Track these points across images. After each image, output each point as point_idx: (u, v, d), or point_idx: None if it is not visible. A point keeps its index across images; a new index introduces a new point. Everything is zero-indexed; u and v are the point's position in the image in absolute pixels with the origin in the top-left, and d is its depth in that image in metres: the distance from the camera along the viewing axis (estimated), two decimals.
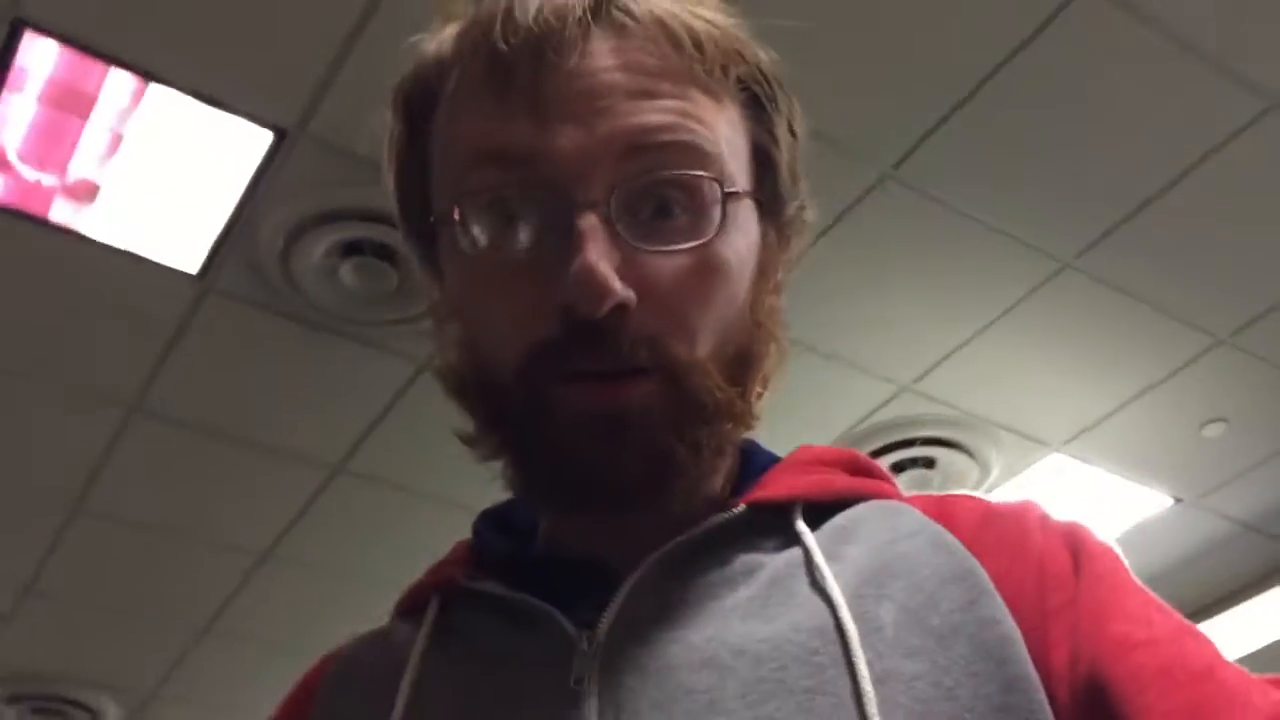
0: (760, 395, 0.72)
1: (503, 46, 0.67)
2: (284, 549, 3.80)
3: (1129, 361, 3.24)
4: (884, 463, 3.51)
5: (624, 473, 0.65)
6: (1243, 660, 0.61)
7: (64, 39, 2.36)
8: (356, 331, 3.06)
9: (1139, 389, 3.33)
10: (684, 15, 0.69)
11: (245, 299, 2.96)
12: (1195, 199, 2.75)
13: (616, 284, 0.63)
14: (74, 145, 2.60)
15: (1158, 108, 2.56)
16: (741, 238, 0.70)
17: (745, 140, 0.71)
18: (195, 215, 2.75)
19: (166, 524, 3.69)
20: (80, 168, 2.65)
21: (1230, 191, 2.75)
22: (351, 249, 2.82)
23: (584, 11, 0.67)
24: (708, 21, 0.69)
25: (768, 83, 0.73)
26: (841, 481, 0.73)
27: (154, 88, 2.46)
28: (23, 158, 2.62)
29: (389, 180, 0.75)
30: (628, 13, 0.68)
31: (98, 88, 2.47)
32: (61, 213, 2.72)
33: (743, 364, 0.69)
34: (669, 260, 0.66)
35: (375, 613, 0.81)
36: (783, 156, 0.73)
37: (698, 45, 0.68)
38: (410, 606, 0.77)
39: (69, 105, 2.51)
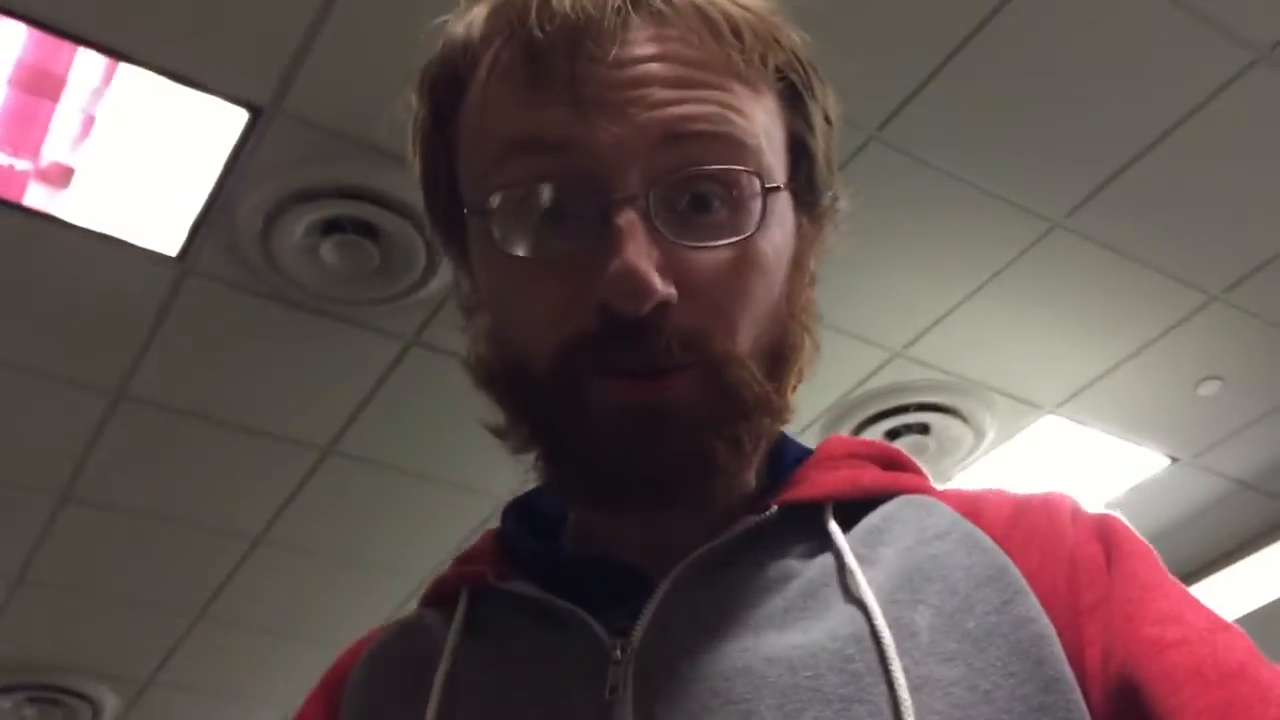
0: (795, 389, 0.71)
1: (538, 34, 0.65)
2: (276, 533, 3.78)
3: (1122, 321, 3.22)
4: (878, 430, 3.53)
5: (661, 468, 0.64)
6: (1241, 619, 0.61)
7: (30, 20, 2.32)
8: (340, 310, 3.03)
9: (1132, 349, 3.31)
10: (722, 2, 0.67)
11: (226, 280, 2.93)
12: (1184, 154, 2.72)
13: (658, 282, 0.62)
14: (46, 128, 2.56)
15: (1143, 62, 2.53)
16: (779, 230, 0.69)
17: (782, 130, 0.70)
18: (172, 197, 2.71)
19: (157, 510, 3.68)
20: (53, 151, 2.61)
21: (1219, 146, 2.72)
22: (332, 227, 2.79)
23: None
24: (745, 8, 0.68)
25: (804, 70, 0.71)
26: (873, 477, 0.73)
27: (124, 67, 2.42)
28: None
29: (414, 167, 0.74)
30: (666, 0, 0.66)
31: (66, 69, 2.42)
32: (36, 197, 2.69)
33: (780, 358, 0.69)
34: (709, 255, 0.65)
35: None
36: (819, 145, 0.73)
37: (736, 34, 0.67)
38: (437, 599, 0.77)
39: (38, 88, 2.47)
